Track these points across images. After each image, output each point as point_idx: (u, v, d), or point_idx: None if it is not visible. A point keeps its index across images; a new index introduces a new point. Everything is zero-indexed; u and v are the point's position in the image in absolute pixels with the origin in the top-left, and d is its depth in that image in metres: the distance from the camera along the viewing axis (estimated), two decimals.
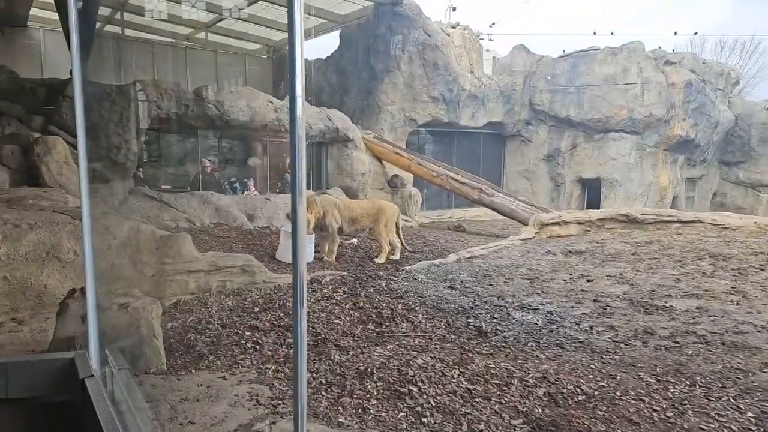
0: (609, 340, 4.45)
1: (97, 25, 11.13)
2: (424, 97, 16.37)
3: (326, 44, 18.86)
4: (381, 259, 7.76)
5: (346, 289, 6.15)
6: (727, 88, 20.11)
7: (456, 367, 3.81)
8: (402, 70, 15.87)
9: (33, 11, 15.68)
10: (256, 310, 5.36)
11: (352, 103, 16.26)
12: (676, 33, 29.30)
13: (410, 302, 5.66)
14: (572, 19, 45.84)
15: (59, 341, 3.30)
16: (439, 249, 9.42)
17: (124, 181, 9.43)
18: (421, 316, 5.21)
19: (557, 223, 9.23)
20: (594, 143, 18.52)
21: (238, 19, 17.91)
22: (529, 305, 5.61)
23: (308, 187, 12.63)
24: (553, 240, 9.22)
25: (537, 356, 4.10)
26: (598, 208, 18.51)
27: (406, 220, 15.00)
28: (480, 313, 5.30)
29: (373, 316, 5.20)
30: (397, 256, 8.03)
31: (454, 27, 17.25)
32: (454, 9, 17.78)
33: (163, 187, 11.88)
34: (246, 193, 11.57)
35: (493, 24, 22.80)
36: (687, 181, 20.33)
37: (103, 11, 16.49)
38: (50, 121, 9.27)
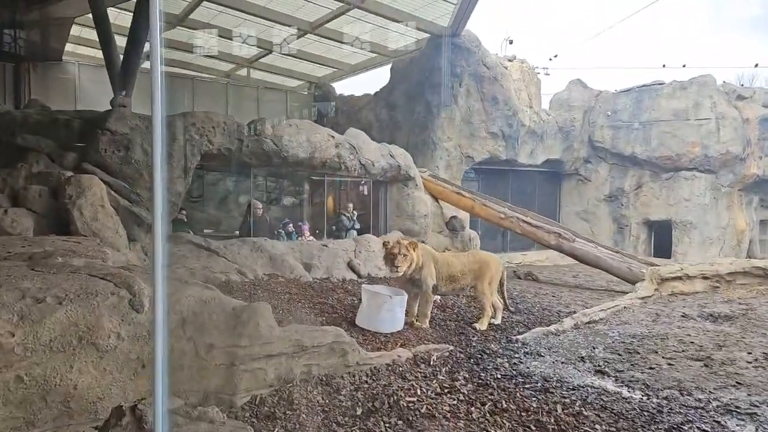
0: None
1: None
2: (482, 133, 15.06)
3: (375, 79, 17.90)
4: (483, 326, 6.21)
5: (466, 375, 4.62)
6: None
7: None
8: (459, 105, 14.65)
9: (69, 47, 15.06)
10: (359, 412, 3.86)
11: (404, 139, 14.98)
12: (757, 65, 28.21)
13: (566, 399, 4.09)
14: (624, 55, 45.00)
15: None
16: (536, 307, 7.83)
17: (167, 225, 8.14)
18: (599, 426, 3.64)
19: (679, 278, 7.64)
20: (662, 182, 16.92)
21: (282, 54, 17.15)
22: (737, 407, 4.01)
23: (366, 231, 11.23)
24: (677, 298, 7.60)
25: None
26: (669, 252, 16.81)
27: None
28: (680, 423, 3.71)
29: (531, 426, 3.64)
30: (498, 320, 6.48)
31: (511, 60, 16.11)
32: (511, 42, 16.71)
33: (205, 231, 10.61)
34: (300, 238, 10.20)
35: (555, 56, 22.05)
36: (760, 223, 18.50)
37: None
38: (85, 157, 8.10)
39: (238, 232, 9.99)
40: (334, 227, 10.99)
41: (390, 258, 5.80)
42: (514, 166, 16.61)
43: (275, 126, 8.95)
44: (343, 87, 20.08)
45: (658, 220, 17.15)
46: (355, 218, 11.23)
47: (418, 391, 4.19)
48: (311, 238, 10.28)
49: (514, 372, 4.71)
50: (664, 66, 18.43)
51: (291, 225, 10.30)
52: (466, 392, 4.20)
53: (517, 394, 4.17)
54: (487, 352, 5.27)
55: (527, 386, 4.37)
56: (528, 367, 4.86)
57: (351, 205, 11.36)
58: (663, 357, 5.15)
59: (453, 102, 14.59)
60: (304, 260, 9.10)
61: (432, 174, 13.80)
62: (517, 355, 5.19)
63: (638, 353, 5.22)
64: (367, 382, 4.37)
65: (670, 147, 16.39)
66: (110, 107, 9.06)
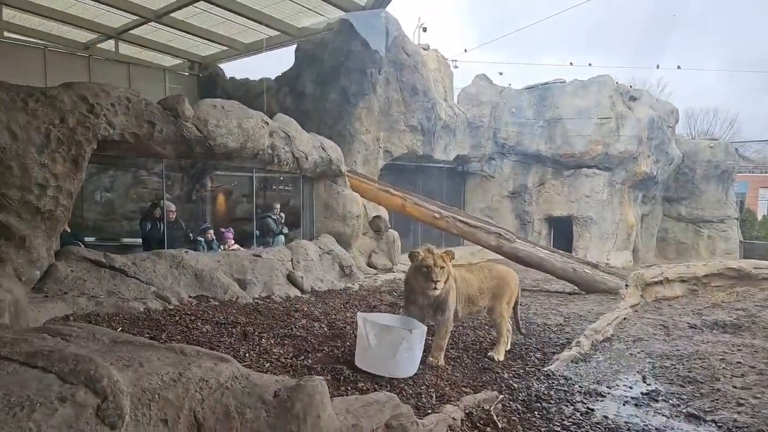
0: None
1: None
2: (401, 125, 14.08)
3: (273, 61, 15.96)
4: (500, 355, 5.17)
5: None
6: (674, 126, 20.34)
7: None
8: (378, 94, 13.48)
9: None
10: None
11: (314, 130, 13.47)
12: (658, 66, 30.90)
13: None
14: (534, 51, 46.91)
15: None
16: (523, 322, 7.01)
17: (50, 238, 5.87)
18: None
19: (660, 282, 7.33)
20: (564, 179, 17.46)
21: (162, 25, 14.48)
22: None
23: (300, 237, 9.64)
24: (663, 304, 7.28)
25: None
26: (570, 247, 17.41)
27: (391, 270, 12.47)
28: None
29: None
30: (509, 345, 5.49)
31: (425, 49, 15.34)
32: (425, 29, 15.90)
33: (85, 240, 8.21)
34: (222, 247, 8.31)
35: (474, 48, 21.83)
36: (642, 218, 20.10)
37: None
38: None
39: (144, 243, 7.79)
40: (258, 232, 9.20)
41: (424, 272, 4.51)
42: (429, 161, 15.95)
43: (197, 107, 7.01)
44: (235, 69, 17.71)
45: (559, 216, 17.67)
46: (283, 221, 9.56)
47: None
48: (236, 245, 8.45)
49: (602, 428, 3.69)
50: (571, 64, 19.25)
51: (211, 231, 8.34)
52: None
53: None
54: (541, 396, 4.22)
55: None
56: (606, 416, 3.88)
57: (278, 206, 9.66)
58: (734, 387, 4.46)
59: (371, 90, 13.40)
60: (236, 275, 7.34)
61: (351, 170, 12.52)
62: (577, 399, 4.21)
63: (700, 382, 4.54)
64: None
65: (573, 145, 16.86)
66: None
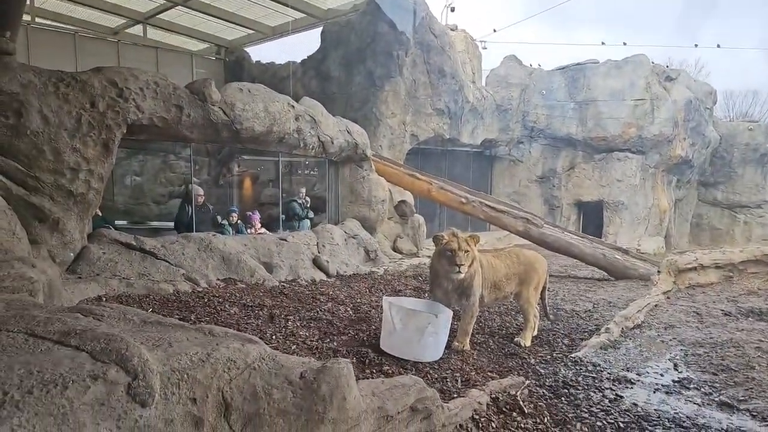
0: None
1: None
2: (428, 108, 13.92)
3: (298, 44, 15.92)
4: (527, 341, 5.11)
5: (584, 428, 3.45)
6: (712, 107, 19.60)
7: None
8: (404, 77, 13.32)
9: None
10: None
11: (339, 114, 13.43)
12: (696, 45, 29.69)
13: None
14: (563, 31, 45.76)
15: None
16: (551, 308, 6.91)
17: (82, 221, 6.01)
18: None
19: (694, 269, 7.11)
20: (595, 163, 17.04)
21: (189, 9, 14.54)
22: None
23: (326, 221, 9.66)
24: (697, 291, 7.07)
25: None
26: (600, 232, 17.06)
27: (416, 254, 12.43)
28: None
29: None
30: (536, 331, 5.42)
31: (453, 30, 15.05)
32: (453, 9, 15.59)
33: (116, 223, 8.38)
34: (250, 230, 8.39)
35: (502, 29, 21.38)
36: (675, 202, 19.53)
37: None
38: None
39: (176, 226, 7.92)
40: (284, 216, 9.26)
41: (448, 256, 4.49)
42: (455, 145, 15.74)
43: (224, 90, 7.03)
44: (261, 53, 17.74)
45: (589, 201, 17.30)
46: (308, 205, 9.59)
47: None
48: (263, 229, 8.51)
49: (631, 415, 3.61)
50: (603, 44, 18.59)
51: (236, 214, 8.41)
52: None
53: None
54: (569, 382, 4.15)
55: None
56: (636, 404, 3.80)
57: (303, 190, 9.68)
58: None
59: (398, 73, 13.24)
60: (263, 259, 7.41)
61: (376, 154, 12.45)
62: (605, 385, 4.13)
63: (733, 370, 4.40)
64: None
65: (605, 127, 16.41)
66: None
